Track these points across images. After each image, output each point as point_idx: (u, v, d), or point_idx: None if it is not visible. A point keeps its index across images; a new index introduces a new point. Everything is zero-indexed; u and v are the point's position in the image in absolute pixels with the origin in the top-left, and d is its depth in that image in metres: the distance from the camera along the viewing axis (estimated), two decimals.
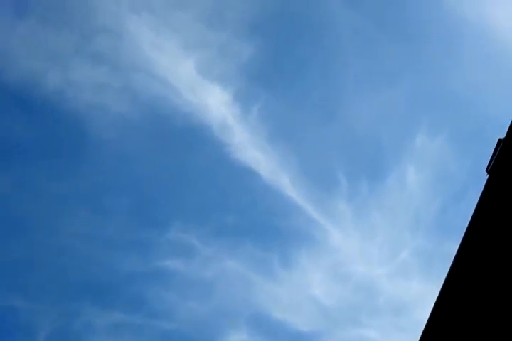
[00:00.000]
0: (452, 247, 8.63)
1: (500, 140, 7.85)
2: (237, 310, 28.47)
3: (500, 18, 25.31)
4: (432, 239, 28.79)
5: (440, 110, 29.39)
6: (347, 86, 28.83)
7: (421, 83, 29.59)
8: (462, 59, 28.03)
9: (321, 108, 29.15)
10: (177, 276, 28.04)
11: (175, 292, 28.13)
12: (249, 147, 27.37)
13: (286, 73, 28.80)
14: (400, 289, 29.18)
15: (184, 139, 28.38)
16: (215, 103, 27.00)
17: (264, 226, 30.16)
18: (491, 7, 25.95)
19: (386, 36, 28.71)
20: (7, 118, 27.02)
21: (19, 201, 27.71)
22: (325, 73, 28.83)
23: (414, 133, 29.01)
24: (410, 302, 28.89)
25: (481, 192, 7.70)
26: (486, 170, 8.38)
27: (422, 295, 27.35)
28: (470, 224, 7.81)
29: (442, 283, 8.54)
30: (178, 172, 28.93)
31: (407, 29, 28.87)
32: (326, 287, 28.18)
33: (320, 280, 28.29)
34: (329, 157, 29.51)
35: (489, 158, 8.33)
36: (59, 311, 27.21)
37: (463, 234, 8.02)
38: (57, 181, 27.60)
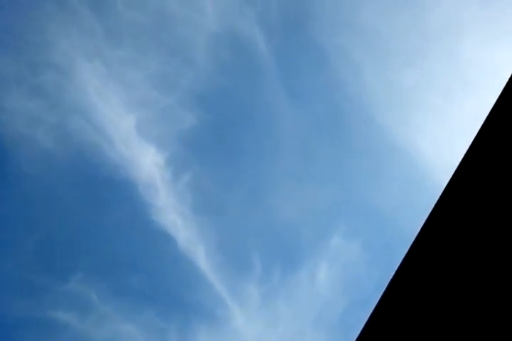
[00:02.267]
0: None
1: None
2: None
3: (424, 146, 27.15)
4: (331, 337, 28.94)
5: (359, 218, 30.41)
6: (277, 175, 29.60)
7: (345, 190, 30.66)
8: (385, 177, 29.40)
9: (248, 191, 29.67)
10: (68, 330, 27.14)
11: None
12: (171, 212, 27.39)
13: (222, 150, 29.33)
14: None
15: (108, 190, 28.17)
16: (147, 162, 27.13)
17: (169, 295, 29.75)
18: (419, 136, 27.80)
19: (322, 139, 29.87)
20: None
21: None
22: (258, 159, 29.56)
23: (332, 232, 29.76)
24: None
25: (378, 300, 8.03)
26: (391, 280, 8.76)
27: None
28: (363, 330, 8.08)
29: None
30: (93, 223, 28.52)
31: (343, 135, 30.12)
32: None
33: None
34: (248, 238, 29.77)
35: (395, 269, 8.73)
36: None
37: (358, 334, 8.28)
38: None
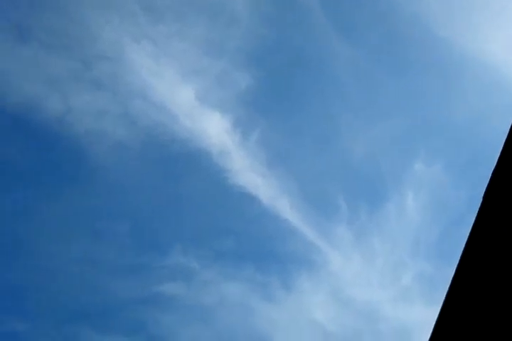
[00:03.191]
0: (452, 271, 8.84)
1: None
2: (237, 335, 28.46)
3: (498, 50, 25.98)
4: (433, 264, 28.91)
5: (437, 139, 29.87)
6: (344, 115, 29.34)
7: (417, 114, 30.14)
8: (459, 89, 28.56)
9: (318, 136, 29.60)
10: (176, 301, 28.11)
11: (174, 316, 28.18)
12: (248, 172, 27.67)
13: (283, 102, 29.25)
14: (402, 313, 29.22)
15: (182, 165, 28.68)
16: (213, 129, 27.38)
17: (264, 250, 30.31)
18: (488, 42, 26.61)
19: (382, 69, 29.28)
20: (5, 142, 27.34)
21: (16, 226, 27.90)
22: (322, 103, 29.34)
23: (412, 159, 29.45)
24: (413, 326, 28.92)
25: (475, 217, 7.94)
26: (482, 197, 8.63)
27: (424, 319, 27.38)
28: (465, 248, 8.02)
29: (440, 307, 8.72)
30: (176, 198, 29.17)
31: (403, 59, 29.44)
32: (327, 311, 28.24)
33: (321, 305, 28.35)
34: (328, 182, 29.82)
35: (485, 184, 8.59)
36: (59, 335, 27.26)
37: (459, 258, 8.23)
38: (54, 206, 27.84)
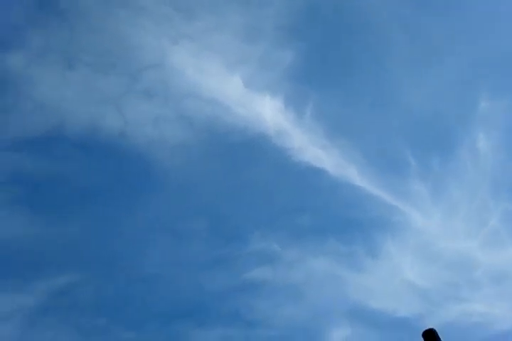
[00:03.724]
0: None
1: None
2: (333, 307, 28.78)
3: None
4: None
5: (497, 73, 29.02)
6: (395, 70, 28.86)
7: (471, 50, 29.30)
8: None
9: (374, 97, 29.22)
10: (266, 285, 28.61)
11: (267, 300, 28.70)
12: (310, 147, 27.77)
13: (331, 71, 29.03)
14: (495, 257, 28.85)
15: (244, 153, 29.00)
16: (267, 112, 27.58)
17: (342, 221, 30.37)
18: None
19: (425, 11, 28.64)
20: (76, 165, 28.41)
21: (100, 241, 29.01)
22: (370, 63, 28.92)
23: (475, 100, 28.71)
24: (509, 269, 28.50)
25: None
26: None
27: None
28: None
29: None
30: (246, 185, 29.54)
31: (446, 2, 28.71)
32: (417, 269, 28.18)
33: (410, 264, 28.31)
34: (393, 141, 29.50)
35: None
36: (164, 336, 28.36)
37: None
38: (131, 217, 28.78)
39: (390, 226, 28.35)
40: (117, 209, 28.60)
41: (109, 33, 27.27)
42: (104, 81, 27.03)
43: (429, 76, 28.66)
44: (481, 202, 28.64)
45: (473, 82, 28.63)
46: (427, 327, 8.42)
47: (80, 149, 28.08)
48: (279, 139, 27.32)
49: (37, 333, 27.84)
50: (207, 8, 27.57)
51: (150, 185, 28.21)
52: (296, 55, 27.74)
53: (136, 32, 26.96)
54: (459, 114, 29.18)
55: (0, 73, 27.28)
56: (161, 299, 28.81)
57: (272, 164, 28.39)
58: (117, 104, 27.44)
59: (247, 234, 28.67)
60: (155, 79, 27.17)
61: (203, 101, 27.32)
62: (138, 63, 27.18)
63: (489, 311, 27.11)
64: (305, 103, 27.96)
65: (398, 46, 28.42)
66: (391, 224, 28.23)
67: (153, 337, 27.90)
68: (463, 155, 28.68)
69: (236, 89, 27.35)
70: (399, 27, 28.33)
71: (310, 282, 28.16)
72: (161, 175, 27.87)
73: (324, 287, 28.37)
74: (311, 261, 28.02)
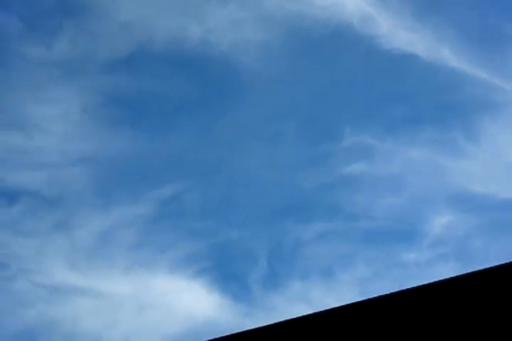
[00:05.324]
0: None
1: None
2: (433, 195, 29.01)
3: None
4: None
5: None
6: None
7: None
8: None
9: None
10: (363, 178, 28.82)
11: (366, 193, 28.99)
12: (399, 31, 27.04)
13: None
14: None
15: (330, 46, 28.74)
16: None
17: (438, 107, 29.79)
18: None
19: None
20: (166, 81, 28.77)
21: (200, 151, 29.67)
22: None
23: None
24: None
25: None
26: None
27: None
28: None
29: None
30: (333, 81, 29.26)
31: None
32: None
33: None
34: (492, 13, 28.56)
35: None
36: (267, 235, 29.15)
37: None
38: (225, 124, 29.22)
39: (491, 107, 27.74)
40: (211, 118, 29.04)
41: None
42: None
43: None
44: None
45: None
46: None
47: (167, 63, 28.43)
48: (365, 27, 26.98)
49: (153, 238, 29.02)
50: None
51: (238, 90, 28.50)
52: None
53: None
54: None
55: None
56: (262, 200, 29.53)
57: (360, 54, 28.12)
58: (197, 13, 27.62)
59: (339, 130, 28.75)
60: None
61: None
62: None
63: None
64: None
65: None
66: (492, 104, 27.67)
67: (257, 234, 28.81)
68: None
69: None
70: None
71: (409, 172, 28.25)
72: (248, 79, 28.09)
73: (424, 175, 28.51)
74: (408, 151, 28.01)
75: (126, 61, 28.70)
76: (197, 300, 28.42)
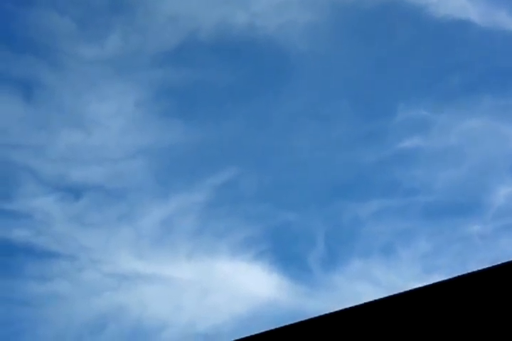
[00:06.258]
0: None
1: None
2: (496, 164, 27.97)
3: None
4: None
5: None
6: None
7: None
8: None
9: None
10: (420, 152, 28.13)
11: (424, 167, 28.27)
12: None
13: None
14: None
15: (379, 20, 27.91)
16: None
17: (496, 73, 28.38)
18: None
19: None
20: (215, 70, 29.17)
21: (253, 136, 29.91)
22: None
23: None
24: None
25: None
26: None
27: None
28: None
29: None
30: (384, 55, 28.72)
31: None
32: None
33: None
34: None
35: None
36: (324, 215, 29.09)
37: None
38: (277, 107, 29.29)
39: None
40: (262, 103, 29.22)
41: None
42: None
43: None
44: None
45: None
46: None
47: (215, 51, 28.79)
48: None
49: (212, 224, 29.73)
50: None
51: (288, 72, 28.50)
52: None
53: None
54: None
55: None
56: (318, 180, 29.49)
57: (410, 25, 27.33)
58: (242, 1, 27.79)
59: (393, 105, 28.10)
60: None
61: None
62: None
63: None
64: None
65: None
66: None
67: (314, 215, 28.84)
68: None
69: None
70: None
71: (468, 143, 27.27)
72: (297, 61, 28.01)
73: (484, 145, 27.45)
74: (467, 121, 26.96)
75: (175, 53, 29.30)
76: (258, 282, 28.85)
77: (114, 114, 29.00)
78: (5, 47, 26.46)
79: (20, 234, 29.68)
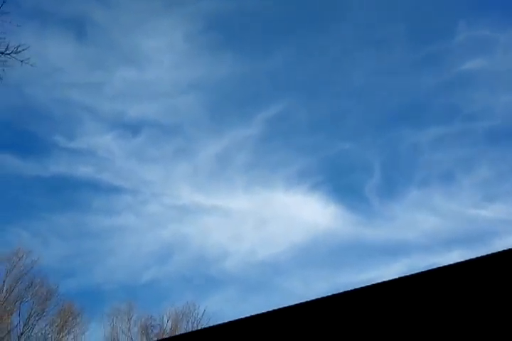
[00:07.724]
0: None
1: None
2: None
3: None
4: None
5: None
6: None
7: None
8: None
9: None
10: (481, 75, 27.16)
11: (485, 91, 27.37)
12: None
13: None
14: None
15: None
16: None
17: None
18: None
19: None
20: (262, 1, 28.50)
21: (307, 66, 29.33)
22: None
23: None
24: None
25: None
26: None
27: None
28: None
29: None
30: None
31: None
32: None
33: None
34: None
35: None
36: (381, 143, 28.74)
37: None
38: (326, 36, 28.54)
39: None
40: (313, 31, 28.50)
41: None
42: None
43: None
44: None
45: None
46: None
47: None
48: None
49: (267, 157, 29.71)
50: None
51: (338, 1, 27.56)
52: None
53: None
54: None
55: None
56: (373, 108, 28.95)
57: None
58: None
59: (451, 25, 26.99)
60: None
61: None
62: None
63: None
64: None
65: None
66: None
67: (370, 144, 28.42)
68: None
69: None
70: None
71: None
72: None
73: None
74: None
75: None
76: (315, 212, 28.97)
77: (165, 49, 28.87)
78: None
79: (85, 170, 30.64)
